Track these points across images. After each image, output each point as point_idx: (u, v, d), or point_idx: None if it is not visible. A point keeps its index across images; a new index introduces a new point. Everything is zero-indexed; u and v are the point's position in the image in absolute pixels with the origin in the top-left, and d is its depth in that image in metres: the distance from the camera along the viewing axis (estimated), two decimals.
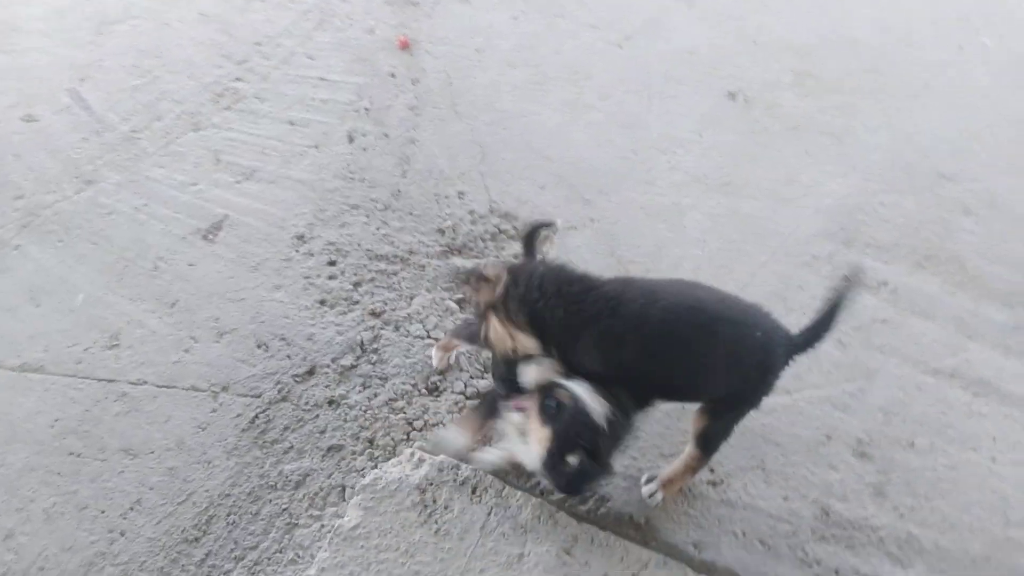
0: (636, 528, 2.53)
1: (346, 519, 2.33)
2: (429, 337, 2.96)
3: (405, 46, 3.97)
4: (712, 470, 2.69)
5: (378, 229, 3.26)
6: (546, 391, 2.06)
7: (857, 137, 3.82)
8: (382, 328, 2.98)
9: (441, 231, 3.29)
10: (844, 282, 2.18)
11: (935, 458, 2.78)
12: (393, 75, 3.86)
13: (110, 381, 2.77)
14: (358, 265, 3.15)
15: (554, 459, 1.98)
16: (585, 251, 3.25)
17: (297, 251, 3.19)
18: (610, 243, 3.28)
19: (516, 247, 3.25)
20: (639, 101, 3.87)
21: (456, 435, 2.47)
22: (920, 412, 2.91)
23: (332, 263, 3.15)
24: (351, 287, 3.08)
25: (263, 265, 3.14)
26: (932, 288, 3.28)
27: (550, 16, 4.29)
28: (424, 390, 2.84)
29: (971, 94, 4.14)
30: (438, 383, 2.85)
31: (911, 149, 3.79)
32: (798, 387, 2.89)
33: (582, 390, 2.00)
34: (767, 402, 2.27)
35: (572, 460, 1.95)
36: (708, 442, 2.36)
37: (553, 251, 3.23)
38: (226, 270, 3.12)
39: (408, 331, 2.98)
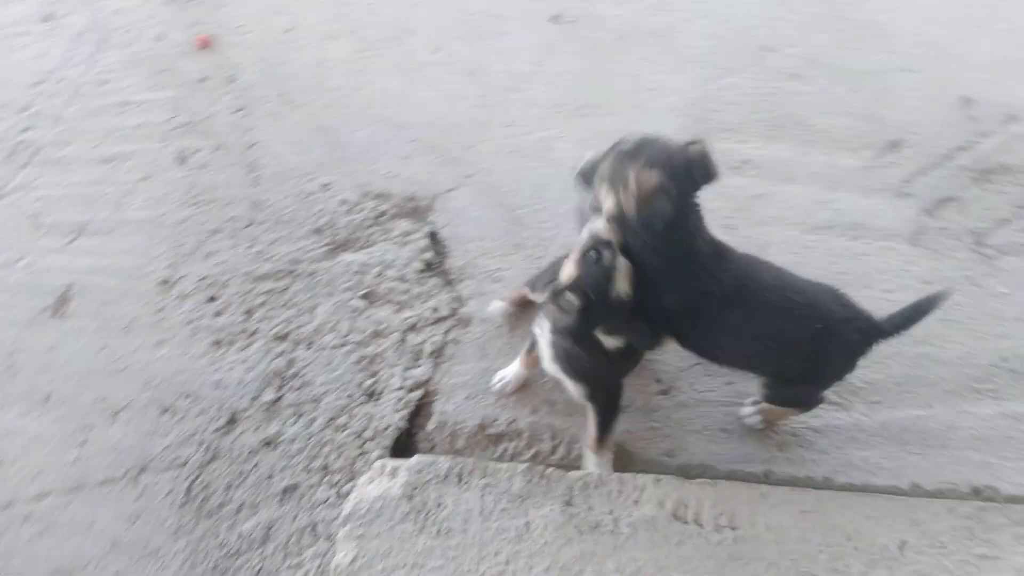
0: (616, 459, 2.56)
1: (341, 555, 2.15)
2: (345, 344, 2.77)
3: (205, 44, 3.58)
4: (659, 380, 2.76)
5: (249, 248, 2.98)
6: (599, 244, 2.12)
7: (680, 31, 3.90)
8: (293, 350, 2.75)
9: (318, 231, 3.05)
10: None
11: None
12: (204, 79, 3.48)
13: (7, 506, 2.37)
14: (242, 292, 2.87)
15: (560, 292, 2.06)
16: (473, 209, 3.15)
17: (167, 297, 2.85)
18: (493, 195, 3.19)
19: (404, 224, 3.09)
20: (471, 45, 3.74)
21: None
22: (815, 268, 3.09)
23: (212, 299, 2.84)
24: (243, 317, 2.81)
25: (134, 324, 2.79)
26: (787, 154, 3.47)
27: None
28: (362, 398, 2.67)
29: None
30: (374, 386, 2.69)
31: (731, 31, 3.93)
32: None
33: (624, 265, 2.09)
34: None
35: (571, 298, 2.03)
36: (797, 403, 2.49)
37: (440, 217, 3.11)
38: (93, 343, 2.74)
39: (323, 344, 2.77)
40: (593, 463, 2.48)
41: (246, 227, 3.03)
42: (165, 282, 2.87)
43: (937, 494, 2.58)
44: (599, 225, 2.16)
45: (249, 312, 2.82)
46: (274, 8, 3.78)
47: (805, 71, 3.77)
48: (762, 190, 3.35)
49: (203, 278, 2.88)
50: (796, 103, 3.65)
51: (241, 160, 3.24)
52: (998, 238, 3.21)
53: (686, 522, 2.20)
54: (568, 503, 2.24)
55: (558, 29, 3.84)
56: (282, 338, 2.77)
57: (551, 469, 2.35)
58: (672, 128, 3.47)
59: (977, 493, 2.60)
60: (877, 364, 2.85)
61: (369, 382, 2.70)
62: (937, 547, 2.20)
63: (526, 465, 2.35)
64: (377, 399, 2.68)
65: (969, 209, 3.30)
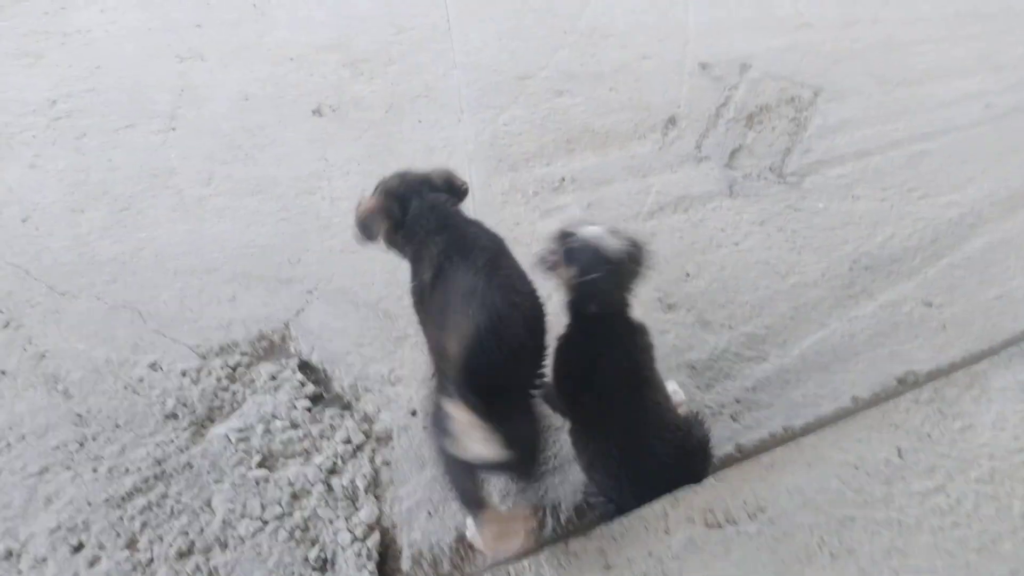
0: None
1: None
2: (266, 524, 2.31)
3: None
4: None
5: (95, 471, 2.39)
6: (567, 237, 2.13)
7: (438, 88, 3.89)
8: (208, 560, 2.24)
9: (171, 416, 2.54)
10: None
11: (705, 281, 3.13)
12: None
13: None
14: (112, 524, 2.28)
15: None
16: (332, 321, 2.83)
17: (19, 574, 2.19)
18: (346, 299, 2.91)
19: (266, 369, 2.69)
20: (243, 164, 3.40)
21: None
22: (670, 247, 3.20)
23: (79, 547, 2.23)
24: (128, 553, 2.23)
25: None
26: (591, 160, 3.58)
27: (72, 144, 3.49)
28: (315, 574, 2.23)
29: None
30: (322, 553, 2.26)
31: (484, 73, 4.01)
32: None
33: (599, 230, 2.12)
34: None
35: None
36: None
37: (303, 344, 2.75)
38: None
39: (239, 536, 2.28)
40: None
41: (79, 449, 2.43)
42: (9, 555, 2.20)
43: (876, 398, 2.76)
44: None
45: (132, 543, 2.24)
46: None
47: (566, 85, 3.96)
48: (589, 198, 3.42)
49: (55, 529, 2.24)
50: (575, 114, 3.81)
51: (36, 378, 2.61)
52: (791, 166, 3.58)
53: (721, 526, 2.10)
54: (607, 567, 2.03)
55: (325, 121, 3.65)
56: (186, 553, 2.24)
57: (571, 541, 2.12)
58: (483, 171, 3.46)
59: (902, 382, 2.82)
60: (764, 309, 3.01)
61: (314, 552, 2.26)
62: (926, 439, 2.32)
63: (546, 550, 2.10)
64: (332, 566, 2.25)
65: (756, 151, 3.65)
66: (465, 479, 2.00)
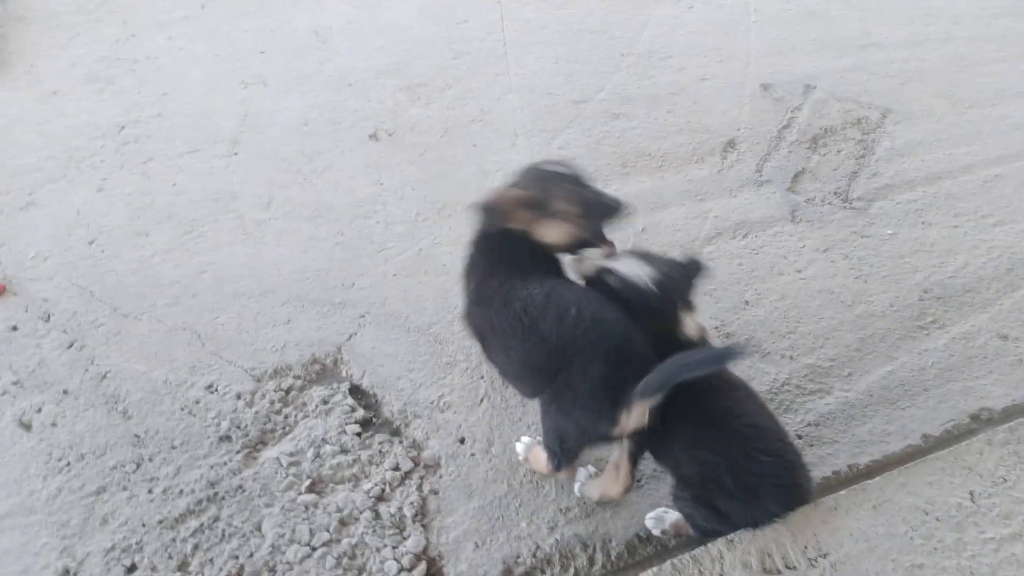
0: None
1: None
2: (314, 551, 2.30)
3: (1, 291, 3.01)
4: None
5: (151, 492, 2.43)
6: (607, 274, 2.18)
7: (494, 112, 3.91)
8: None
9: (224, 438, 2.57)
10: None
11: (765, 310, 3.03)
12: (14, 328, 2.88)
13: None
14: (165, 545, 2.31)
15: None
16: (384, 346, 2.83)
17: None
18: (398, 324, 2.90)
19: (318, 393, 2.69)
20: (302, 189, 3.45)
21: None
22: (728, 274, 3.11)
23: (132, 569, 2.26)
24: (179, 574, 2.26)
25: None
26: (647, 184, 3.52)
27: (139, 168, 3.61)
28: None
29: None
30: None
31: (539, 96, 4.00)
32: None
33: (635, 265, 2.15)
34: None
35: None
36: None
37: (354, 368, 2.76)
38: None
39: (288, 561, 2.28)
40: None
41: (136, 470, 2.48)
42: (65, 574, 2.24)
43: (948, 436, 2.61)
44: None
45: (183, 565, 2.26)
46: (66, 225, 3.26)
47: (622, 108, 3.92)
48: (643, 223, 3.36)
49: (110, 549, 2.28)
50: (630, 138, 3.76)
51: (97, 399, 2.68)
52: (857, 190, 3.45)
53: (780, 572, 1.99)
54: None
55: (381, 146, 3.69)
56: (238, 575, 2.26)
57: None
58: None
59: (975, 419, 2.67)
60: (828, 340, 2.89)
61: None
62: (1001, 483, 2.18)
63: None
64: None
65: (820, 174, 3.54)
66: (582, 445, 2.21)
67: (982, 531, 2.07)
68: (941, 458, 2.28)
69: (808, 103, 3.89)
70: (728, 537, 2.05)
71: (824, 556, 2.01)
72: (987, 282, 3.08)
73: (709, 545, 2.05)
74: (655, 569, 2.02)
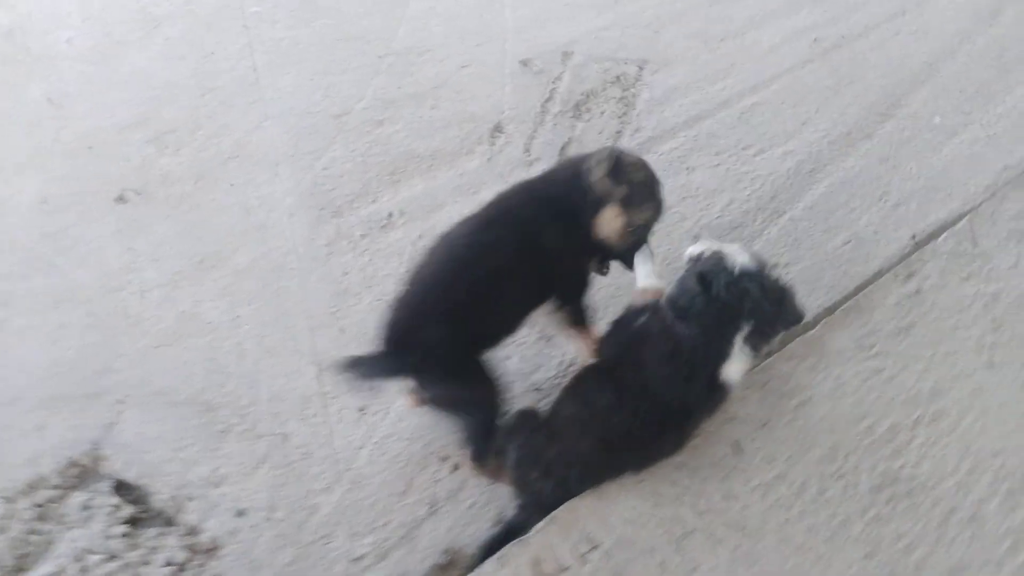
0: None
1: None
2: None
3: None
4: (446, 457, 2.48)
5: None
6: None
7: (253, 143, 3.70)
8: None
9: None
10: None
11: None
12: None
13: None
14: None
15: None
16: (149, 429, 2.61)
17: None
18: (163, 401, 2.68)
19: (77, 499, 2.45)
20: (44, 273, 3.12)
21: None
22: None
23: None
24: None
25: None
26: (418, 188, 3.38)
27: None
28: None
29: None
30: None
31: (300, 116, 3.76)
32: None
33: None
34: None
35: None
36: None
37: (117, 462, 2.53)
38: None
39: None
40: None
41: None
42: None
43: None
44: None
45: None
46: None
47: (385, 113, 3.76)
48: (421, 230, 3.24)
49: None
50: (397, 142, 3.62)
51: None
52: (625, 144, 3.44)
53: None
54: None
55: (131, 207, 3.39)
56: None
57: None
58: (306, 222, 3.26)
59: None
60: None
61: None
62: (763, 427, 2.18)
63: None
64: None
65: (586, 141, 3.50)
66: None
67: (749, 479, 2.07)
68: None
69: (567, 71, 3.84)
70: (499, 554, 1.97)
71: (596, 547, 1.95)
72: (752, 214, 3.12)
73: (482, 568, 1.96)
74: None
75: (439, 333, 2.09)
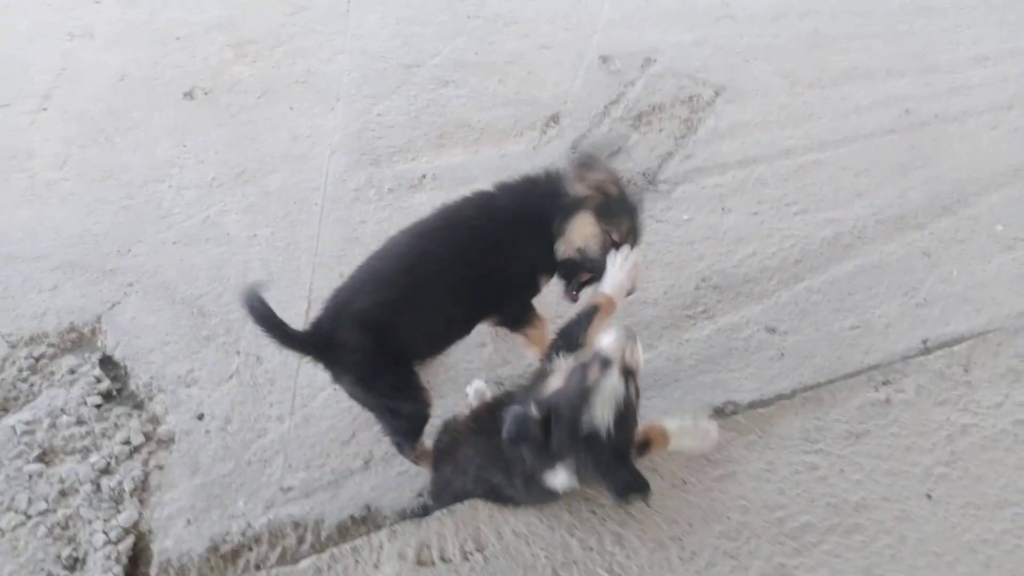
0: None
1: None
2: (28, 519, 2.33)
3: None
4: None
5: None
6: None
7: (321, 73, 3.81)
8: None
9: None
10: None
11: None
12: None
13: None
14: None
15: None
16: (145, 317, 2.82)
17: None
18: (165, 294, 2.89)
19: (68, 361, 2.69)
20: (101, 149, 3.39)
21: None
22: None
23: None
24: None
25: None
26: (459, 158, 3.48)
27: None
28: (63, 573, 2.25)
29: None
30: (74, 553, 2.28)
31: (372, 59, 3.88)
32: None
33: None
34: None
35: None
36: None
37: (110, 338, 2.76)
38: None
39: (1, 529, 2.32)
40: None
41: None
42: None
43: None
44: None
45: None
46: None
47: (454, 75, 3.83)
48: (445, 199, 3.30)
49: None
50: (454, 108, 3.69)
51: None
52: (666, 172, 3.41)
53: (434, 564, 2.03)
54: None
55: (195, 105, 3.60)
56: None
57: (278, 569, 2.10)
58: (343, 163, 3.38)
59: (719, 412, 2.66)
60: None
61: (67, 551, 2.29)
62: (680, 485, 2.21)
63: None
64: (82, 567, 2.27)
65: (635, 154, 3.48)
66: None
67: (645, 531, 2.10)
68: None
69: (644, 78, 3.81)
70: (392, 528, 2.10)
71: (480, 550, 2.05)
72: (770, 272, 3.07)
73: (372, 536, 2.09)
74: (315, 558, 2.07)
75: (358, 340, 2.12)
